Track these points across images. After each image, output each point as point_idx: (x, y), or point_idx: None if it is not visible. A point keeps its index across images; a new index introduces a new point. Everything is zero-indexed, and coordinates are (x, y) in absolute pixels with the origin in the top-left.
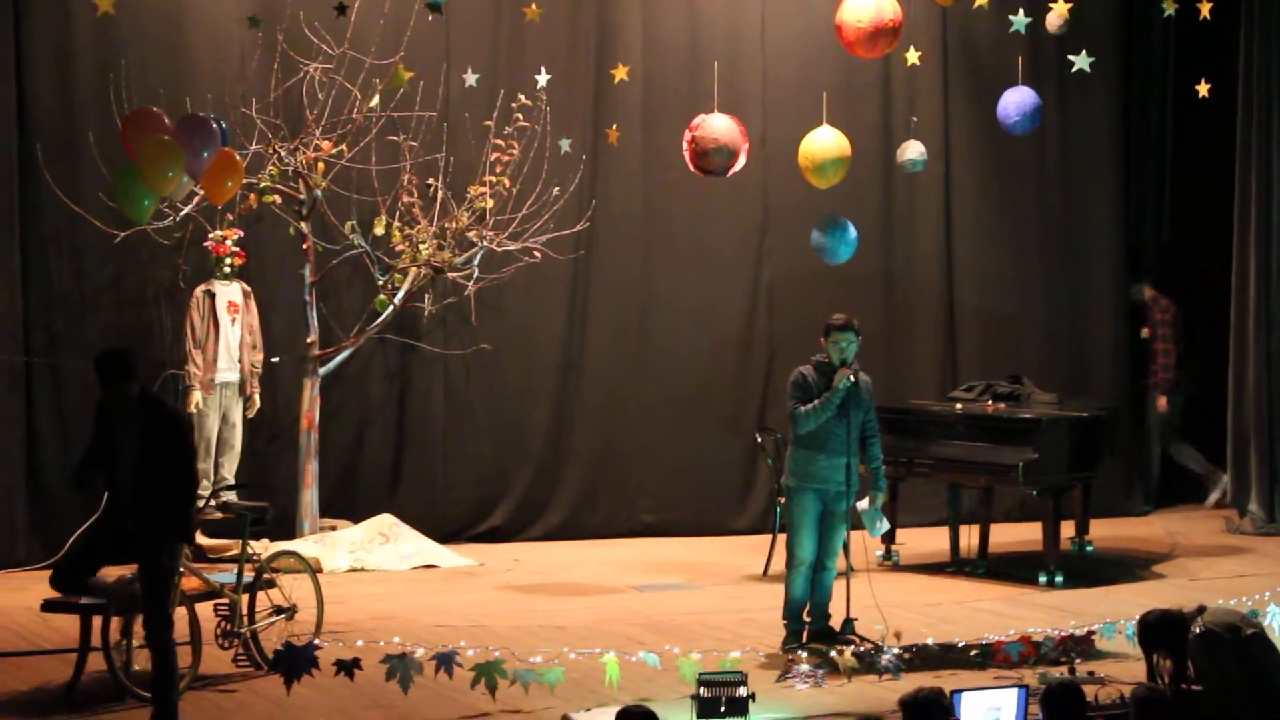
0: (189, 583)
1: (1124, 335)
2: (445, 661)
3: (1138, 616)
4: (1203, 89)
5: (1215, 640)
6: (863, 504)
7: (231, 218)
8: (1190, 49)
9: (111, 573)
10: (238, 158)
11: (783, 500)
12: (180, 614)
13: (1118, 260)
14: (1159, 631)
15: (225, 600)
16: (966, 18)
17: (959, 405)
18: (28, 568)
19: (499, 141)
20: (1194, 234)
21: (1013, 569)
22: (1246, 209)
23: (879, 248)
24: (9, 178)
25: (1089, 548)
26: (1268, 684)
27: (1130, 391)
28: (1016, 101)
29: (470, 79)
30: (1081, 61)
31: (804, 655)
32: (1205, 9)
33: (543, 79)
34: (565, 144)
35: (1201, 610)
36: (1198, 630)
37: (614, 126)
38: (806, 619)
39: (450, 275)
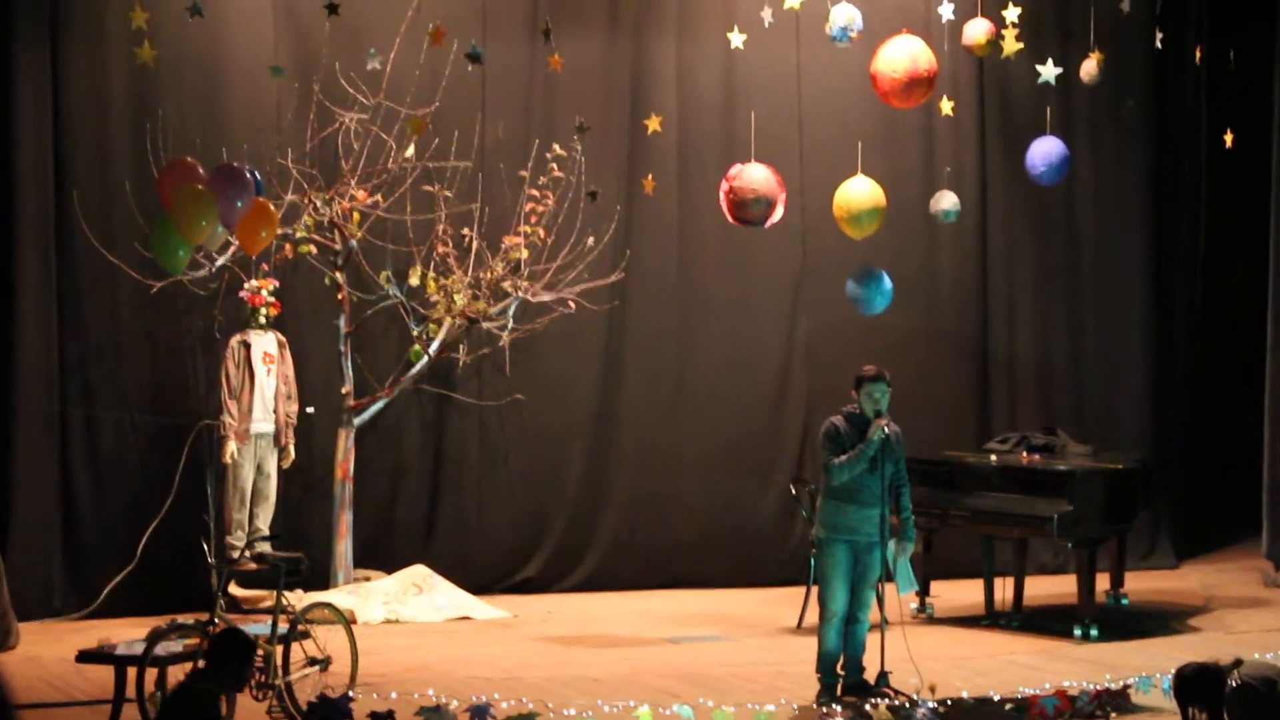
0: None
1: (1155, 386)
2: (479, 714)
3: (1173, 670)
4: (1229, 140)
5: (1252, 695)
6: (893, 553)
7: (267, 268)
8: (1223, 97)
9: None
10: (272, 208)
11: (815, 552)
12: None
13: (1151, 310)
14: (1195, 685)
15: (260, 651)
16: (1002, 67)
17: (994, 457)
18: (63, 618)
19: (534, 192)
20: (1228, 282)
21: (1047, 622)
22: None
23: (915, 298)
24: (46, 228)
25: (1124, 600)
26: None
27: (1160, 444)
28: (1044, 152)
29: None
30: (1131, 108)
31: (838, 709)
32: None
33: (581, 123)
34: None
35: (1238, 663)
36: (1234, 684)
37: (649, 176)
38: (840, 672)
39: (485, 325)
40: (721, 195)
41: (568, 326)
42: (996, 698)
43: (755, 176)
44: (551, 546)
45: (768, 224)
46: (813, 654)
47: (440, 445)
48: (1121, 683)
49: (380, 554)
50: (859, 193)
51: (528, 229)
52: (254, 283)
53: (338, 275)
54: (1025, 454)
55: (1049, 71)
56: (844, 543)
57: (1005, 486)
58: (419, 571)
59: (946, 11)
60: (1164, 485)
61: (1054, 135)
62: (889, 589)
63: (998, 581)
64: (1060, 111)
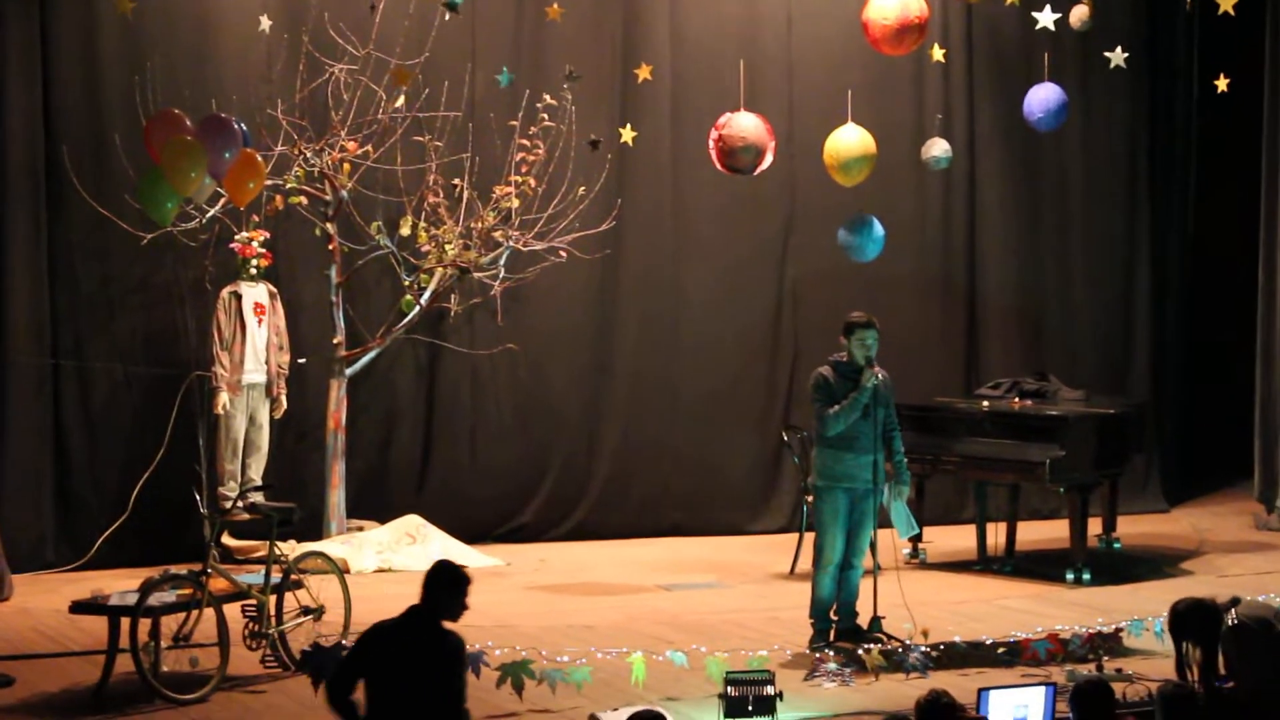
0: (217, 584)
1: (1146, 330)
2: (472, 661)
3: (1167, 610)
4: (1222, 84)
5: (1248, 634)
6: (887, 497)
7: (257, 219)
8: (1215, 42)
9: None
10: (259, 158)
11: (810, 499)
12: (208, 615)
13: (1143, 255)
14: (1190, 620)
15: (253, 601)
16: (992, 14)
17: (985, 403)
18: (56, 569)
19: (524, 141)
20: (1221, 228)
21: (1040, 566)
22: (1274, 203)
23: (906, 245)
24: (36, 181)
25: (1116, 545)
26: None
27: (1151, 388)
28: (1041, 98)
29: (503, 78)
30: (1117, 58)
31: (831, 654)
32: (1226, 3)
33: (572, 71)
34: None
35: (1235, 602)
36: (1231, 623)
37: (627, 125)
38: (833, 618)
39: (476, 275)
40: (711, 144)
41: (559, 275)
42: (989, 642)
43: (745, 125)
44: (544, 495)
45: (757, 172)
46: (805, 599)
47: (433, 395)
48: (1114, 626)
49: (373, 504)
50: (849, 140)
51: (518, 178)
52: (245, 234)
53: (329, 226)
54: (1017, 399)
55: (1046, 17)
56: (842, 490)
57: (997, 432)
58: (412, 521)
59: None
60: (1156, 429)
61: (1049, 81)
62: (880, 534)
63: (990, 527)
64: (1052, 57)
